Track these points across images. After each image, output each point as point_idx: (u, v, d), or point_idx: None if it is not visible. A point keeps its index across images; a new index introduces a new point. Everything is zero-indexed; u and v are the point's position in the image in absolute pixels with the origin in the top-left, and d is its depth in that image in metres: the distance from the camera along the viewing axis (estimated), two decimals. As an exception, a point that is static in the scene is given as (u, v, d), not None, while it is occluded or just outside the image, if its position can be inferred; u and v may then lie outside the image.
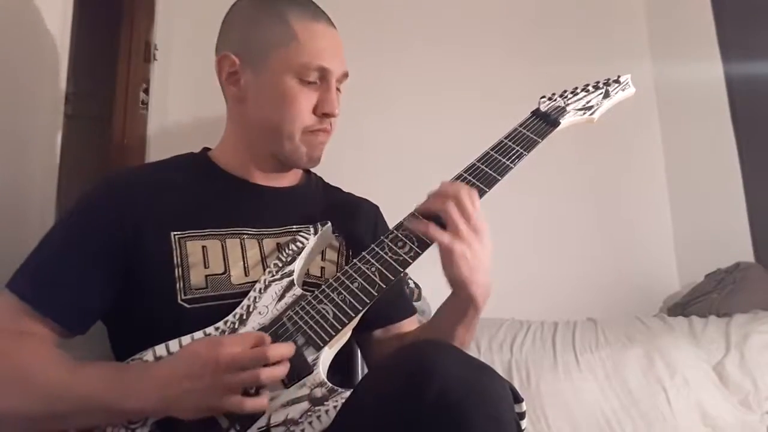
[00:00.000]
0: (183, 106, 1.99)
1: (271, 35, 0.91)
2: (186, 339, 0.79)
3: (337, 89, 0.95)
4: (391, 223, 0.88)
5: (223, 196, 0.94)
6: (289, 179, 1.01)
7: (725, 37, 2.15)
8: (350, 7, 2.10)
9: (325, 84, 0.92)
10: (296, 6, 0.93)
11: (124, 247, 0.84)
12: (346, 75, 0.96)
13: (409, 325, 1.02)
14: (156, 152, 1.95)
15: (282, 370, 0.73)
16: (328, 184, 1.10)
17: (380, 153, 2.05)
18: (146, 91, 1.99)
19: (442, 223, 0.81)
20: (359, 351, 1.06)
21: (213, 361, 0.70)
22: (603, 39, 2.29)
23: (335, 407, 0.73)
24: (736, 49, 2.12)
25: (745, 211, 2.06)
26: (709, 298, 1.90)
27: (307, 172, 1.07)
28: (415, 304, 1.61)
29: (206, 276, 0.85)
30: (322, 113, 0.92)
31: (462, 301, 0.83)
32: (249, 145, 0.96)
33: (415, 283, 1.71)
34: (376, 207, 1.10)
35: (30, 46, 1.19)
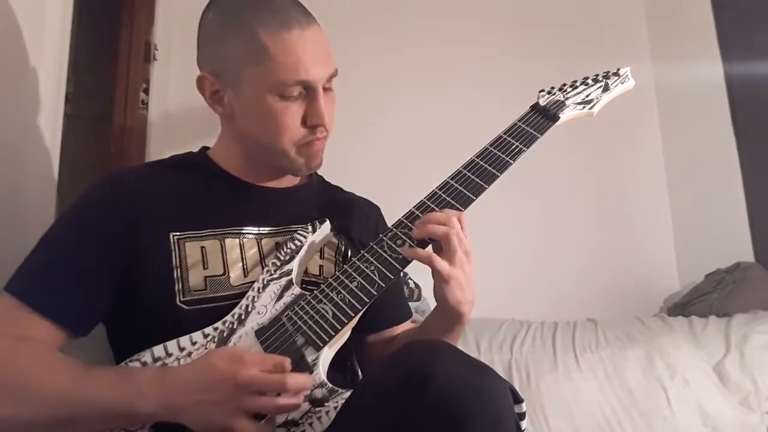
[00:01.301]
0: (183, 105, 1.98)
1: (242, 54, 0.85)
2: (184, 340, 0.78)
3: (329, 89, 0.91)
4: (391, 222, 0.88)
5: (223, 196, 0.93)
6: (289, 180, 1.00)
7: (725, 37, 2.14)
8: (349, 7, 2.10)
9: (311, 93, 0.87)
10: (265, 14, 0.85)
11: (123, 247, 0.83)
12: (334, 75, 0.90)
13: (403, 328, 1.02)
14: (156, 152, 1.95)
15: (297, 402, 0.71)
16: (328, 183, 1.09)
17: (380, 152, 2.05)
18: (146, 91, 1.99)
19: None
20: (355, 353, 1.05)
21: (231, 378, 0.69)
22: (603, 39, 2.28)
23: (335, 408, 0.73)
24: (736, 49, 2.12)
25: (745, 211, 2.05)
26: (709, 298, 1.90)
27: (309, 172, 1.07)
28: (415, 304, 1.62)
29: (205, 277, 0.85)
30: (312, 125, 0.89)
31: (450, 318, 0.84)
32: (246, 153, 0.95)
33: (415, 283, 1.71)
34: (377, 208, 1.09)
35: (30, 46, 1.19)
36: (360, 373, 1.02)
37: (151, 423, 0.74)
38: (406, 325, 1.03)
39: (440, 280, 0.80)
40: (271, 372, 0.70)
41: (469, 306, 0.83)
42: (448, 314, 0.84)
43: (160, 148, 1.95)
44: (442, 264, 0.79)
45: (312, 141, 0.90)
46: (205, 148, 1.02)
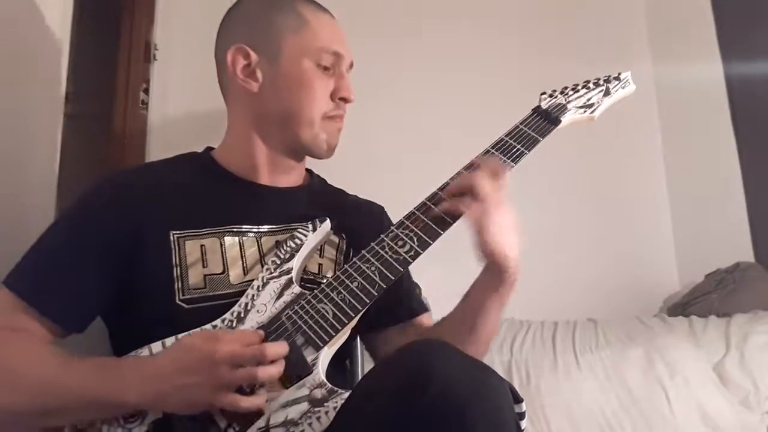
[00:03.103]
0: (183, 106, 1.98)
1: (283, 23, 0.94)
2: (182, 336, 0.78)
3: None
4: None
5: (224, 195, 0.94)
6: (292, 179, 1.00)
7: (725, 37, 2.14)
8: (351, 5, 2.10)
9: (338, 70, 0.96)
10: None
11: (123, 246, 0.84)
12: (352, 65, 1.00)
13: (426, 320, 1.01)
14: (156, 152, 1.95)
15: (278, 368, 0.73)
16: (331, 185, 1.09)
17: (381, 153, 2.05)
18: (146, 91, 1.99)
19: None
20: (369, 351, 1.04)
21: (209, 356, 0.69)
22: (603, 39, 2.28)
23: (335, 408, 0.73)
24: (736, 49, 2.12)
25: (745, 211, 2.05)
26: (709, 298, 1.90)
27: (310, 173, 1.07)
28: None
29: (205, 276, 0.85)
30: (340, 98, 0.95)
31: (494, 273, 0.83)
32: (259, 143, 0.96)
33: (414, 283, 1.71)
34: (381, 207, 1.09)
35: (30, 46, 1.19)
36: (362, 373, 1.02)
37: (151, 419, 0.73)
38: (428, 319, 1.02)
39: (475, 224, 0.80)
40: (248, 344, 0.71)
41: (514, 260, 0.83)
42: (491, 268, 0.83)
43: (160, 148, 1.95)
44: (469, 206, 0.80)
45: (335, 116, 0.96)
46: (209, 149, 1.02)
